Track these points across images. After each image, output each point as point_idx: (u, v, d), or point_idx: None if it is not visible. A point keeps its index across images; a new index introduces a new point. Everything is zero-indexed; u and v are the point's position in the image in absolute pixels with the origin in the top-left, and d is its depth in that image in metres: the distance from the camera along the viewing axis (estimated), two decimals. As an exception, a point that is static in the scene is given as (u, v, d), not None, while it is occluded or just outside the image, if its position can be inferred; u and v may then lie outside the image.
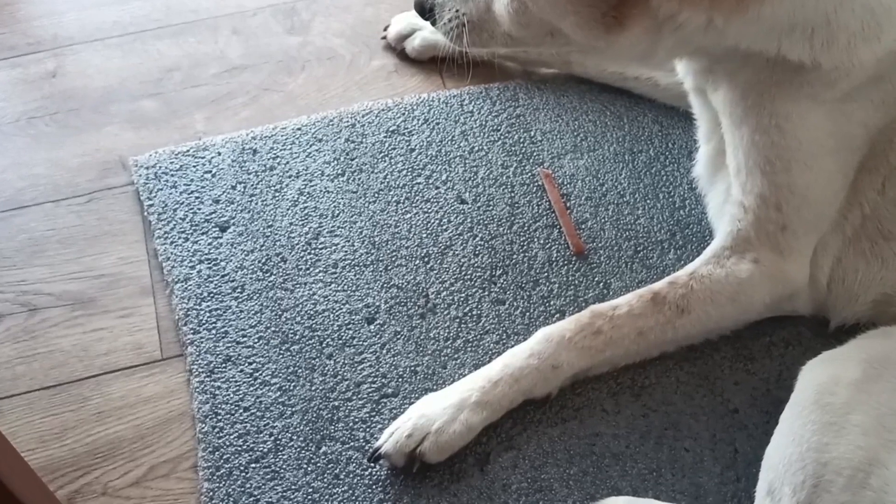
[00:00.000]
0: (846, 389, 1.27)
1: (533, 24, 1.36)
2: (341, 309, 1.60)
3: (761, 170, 1.43)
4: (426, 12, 1.47)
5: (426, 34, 1.94)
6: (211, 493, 1.41)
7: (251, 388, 1.51)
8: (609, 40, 1.30)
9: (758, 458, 1.32)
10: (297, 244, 1.67)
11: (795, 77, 1.35)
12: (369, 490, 1.42)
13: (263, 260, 1.65)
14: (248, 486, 1.42)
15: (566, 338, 1.45)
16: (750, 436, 1.46)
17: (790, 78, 1.35)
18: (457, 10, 1.42)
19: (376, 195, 1.73)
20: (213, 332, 1.57)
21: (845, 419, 1.23)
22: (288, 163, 1.77)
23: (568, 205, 1.71)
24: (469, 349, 1.55)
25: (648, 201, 1.72)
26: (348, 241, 1.67)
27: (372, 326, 1.58)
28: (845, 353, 1.35)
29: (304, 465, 1.44)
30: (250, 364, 1.54)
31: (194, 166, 1.77)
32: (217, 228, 1.69)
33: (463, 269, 1.64)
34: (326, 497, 1.41)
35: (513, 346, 1.49)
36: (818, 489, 1.20)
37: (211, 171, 1.76)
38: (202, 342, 1.56)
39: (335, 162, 1.77)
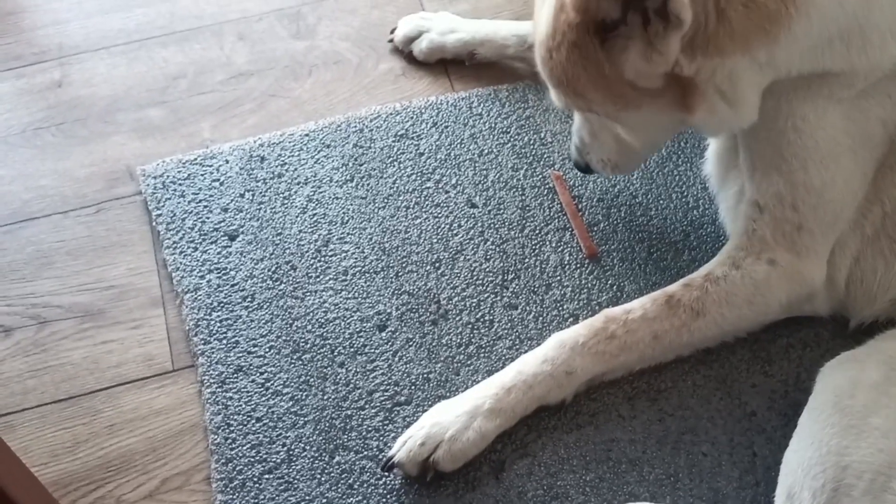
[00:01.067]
0: (865, 392, 1.25)
1: (649, 136, 1.49)
2: (352, 316, 1.58)
3: (777, 169, 1.41)
4: (585, 169, 1.61)
5: (433, 36, 1.93)
6: (224, 506, 1.40)
7: (263, 399, 1.50)
8: (696, 119, 1.32)
9: (777, 461, 1.30)
10: (307, 252, 1.66)
11: (814, 79, 1.33)
12: (383, 500, 1.40)
13: (273, 268, 1.64)
14: (261, 497, 1.41)
15: (580, 343, 1.43)
16: (768, 439, 1.44)
17: (808, 80, 1.33)
18: (600, 158, 1.55)
19: (386, 201, 1.72)
20: (224, 342, 1.56)
21: (865, 422, 1.22)
22: (296, 169, 1.76)
23: (579, 207, 1.69)
24: (482, 355, 1.54)
25: (661, 202, 1.70)
26: (358, 248, 1.66)
27: (383, 334, 1.57)
28: (864, 354, 1.33)
29: (318, 476, 1.43)
30: (262, 374, 1.53)
31: (202, 175, 1.75)
32: (226, 237, 1.68)
33: (474, 273, 1.63)
34: (341, 508, 1.39)
35: (526, 352, 1.47)
36: (838, 493, 1.18)
37: (219, 180, 1.75)
38: (213, 352, 1.55)
39: (344, 168, 1.76)
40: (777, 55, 1.25)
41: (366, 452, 1.45)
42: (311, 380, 1.52)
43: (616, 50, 1.21)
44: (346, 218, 1.70)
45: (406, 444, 1.40)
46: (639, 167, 1.71)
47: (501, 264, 1.64)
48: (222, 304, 1.60)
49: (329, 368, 1.53)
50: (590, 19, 1.19)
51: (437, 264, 1.64)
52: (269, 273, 1.63)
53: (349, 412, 1.48)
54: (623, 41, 1.20)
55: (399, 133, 1.81)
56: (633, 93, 1.27)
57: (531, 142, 1.79)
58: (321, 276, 1.63)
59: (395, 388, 1.51)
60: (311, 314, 1.59)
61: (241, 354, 1.55)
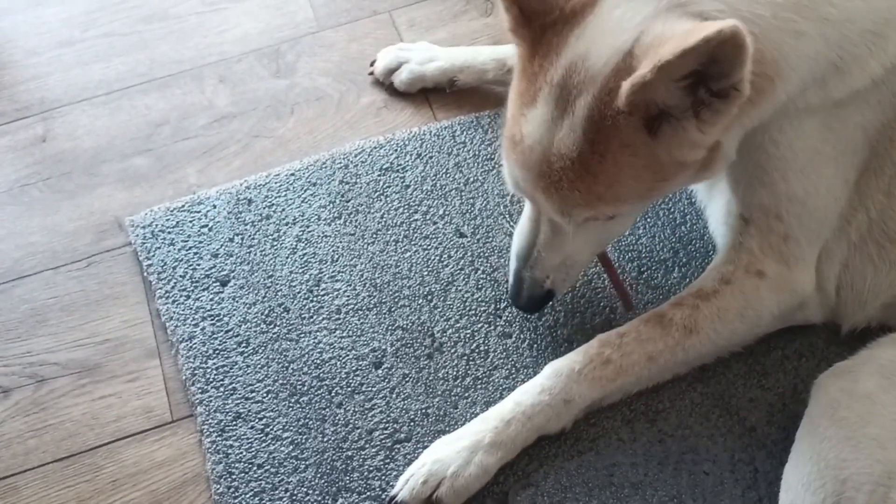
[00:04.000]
0: (860, 402, 1.26)
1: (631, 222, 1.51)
2: (348, 355, 1.59)
3: (759, 181, 1.42)
4: (540, 302, 1.51)
5: (413, 66, 1.94)
6: (231, 556, 1.40)
7: (263, 445, 1.50)
8: (711, 175, 1.35)
9: (778, 476, 1.31)
10: (299, 293, 1.66)
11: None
12: (390, 540, 1.41)
13: (266, 312, 1.64)
14: (267, 545, 1.42)
15: (576, 370, 1.43)
16: (769, 454, 1.44)
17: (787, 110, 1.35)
18: (563, 274, 1.47)
19: (374, 236, 1.72)
20: (222, 389, 1.56)
21: (861, 433, 1.22)
22: (283, 210, 1.77)
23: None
24: (479, 386, 1.54)
25: (648, 220, 1.71)
26: (350, 286, 1.66)
27: (380, 371, 1.57)
28: (857, 364, 1.33)
29: (323, 519, 1.43)
30: (261, 420, 1.53)
31: (190, 222, 1.76)
32: (218, 283, 1.68)
33: (467, 304, 1.63)
34: (347, 551, 1.40)
35: (523, 381, 1.48)
36: (839, 506, 1.19)
37: (207, 225, 1.75)
38: (211, 401, 1.55)
39: (331, 205, 1.77)
40: (756, 118, 1.29)
41: (368, 493, 1.45)
42: (311, 422, 1.52)
43: (667, 133, 1.20)
44: (336, 256, 1.70)
45: (409, 483, 1.40)
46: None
47: (493, 293, 1.64)
48: (217, 352, 1.60)
49: (327, 410, 1.53)
50: (642, 115, 1.18)
51: (429, 297, 1.64)
52: (263, 316, 1.64)
53: (350, 453, 1.49)
54: (673, 123, 1.19)
55: (384, 166, 1.82)
56: (676, 169, 1.26)
57: (516, 167, 1.80)
58: (314, 317, 1.63)
59: (395, 425, 1.51)
60: (307, 356, 1.59)
61: (238, 401, 1.55)
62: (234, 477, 1.48)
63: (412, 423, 1.51)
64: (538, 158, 1.26)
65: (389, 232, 1.73)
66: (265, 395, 1.55)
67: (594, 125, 1.20)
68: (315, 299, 1.65)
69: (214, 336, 1.62)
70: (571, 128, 1.22)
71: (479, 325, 1.61)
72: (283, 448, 1.50)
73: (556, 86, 1.22)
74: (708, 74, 1.12)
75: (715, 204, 1.57)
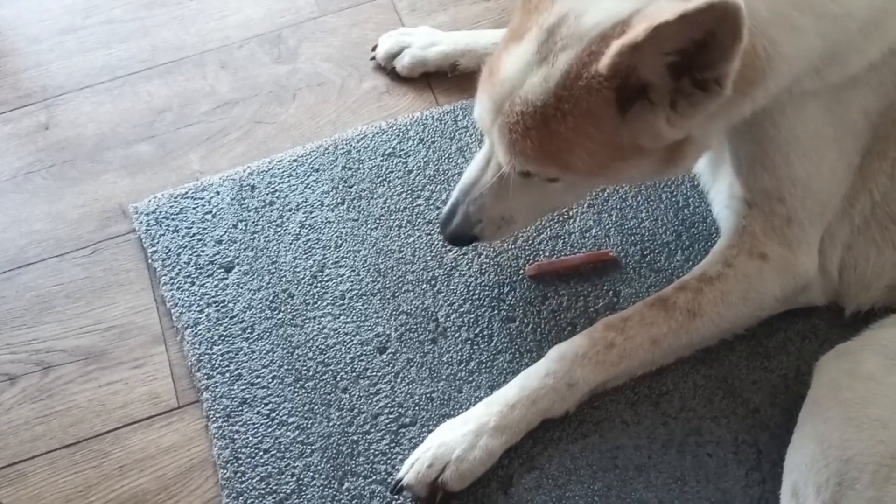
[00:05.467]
0: (862, 383, 1.27)
1: (583, 194, 1.54)
2: (352, 340, 1.59)
3: (762, 164, 1.42)
4: (464, 241, 1.50)
5: (415, 50, 1.93)
6: (238, 541, 1.41)
7: (269, 430, 1.51)
8: (679, 170, 1.35)
9: (782, 457, 1.32)
10: (303, 278, 1.66)
11: None
12: (395, 523, 1.42)
13: (271, 297, 1.65)
14: (274, 529, 1.43)
15: (580, 354, 1.44)
16: (773, 435, 1.45)
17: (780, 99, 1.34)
18: (497, 222, 1.45)
19: (378, 221, 1.73)
20: (227, 375, 1.57)
21: (864, 413, 1.23)
22: (287, 196, 1.77)
23: (568, 252, 1.67)
24: (483, 371, 1.55)
25: (651, 203, 1.71)
26: (353, 271, 1.67)
27: (384, 356, 1.58)
28: (859, 345, 1.34)
29: (329, 503, 1.44)
30: (266, 405, 1.54)
31: (194, 208, 1.76)
32: (222, 269, 1.69)
33: (470, 289, 1.64)
34: (353, 534, 1.41)
35: (527, 364, 1.49)
36: (842, 487, 1.19)
37: (211, 212, 1.76)
38: (217, 387, 1.56)
39: (334, 191, 1.77)
40: (744, 110, 1.27)
41: (374, 477, 1.46)
42: (316, 407, 1.53)
43: (637, 115, 1.19)
44: (340, 241, 1.71)
45: (414, 467, 1.41)
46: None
47: (497, 277, 1.65)
48: (223, 338, 1.61)
49: (332, 395, 1.54)
50: (618, 84, 1.15)
51: (432, 282, 1.65)
52: (267, 302, 1.64)
53: (355, 437, 1.50)
54: (647, 106, 1.18)
55: (387, 152, 1.82)
56: (635, 153, 1.25)
57: (518, 151, 1.80)
58: (319, 302, 1.64)
59: (400, 409, 1.52)
60: (312, 341, 1.60)
61: (244, 387, 1.56)
62: (240, 462, 1.49)
63: (417, 408, 1.52)
64: (505, 94, 1.25)
65: (392, 217, 1.73)
66: (270, 380, 1.56)
67: (568, 82, 1.18)
68: (319, 285, 1.66)
69: (219, 322, 1.63)
70: (545, 77, 1.20)
71: (483, 310, 1.61)
72: (288, 433, 1.51)
73: (545, 31, 1.21)
74: (696, 61, 1.11)
75: (718, 187, 1.57)
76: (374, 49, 1.98)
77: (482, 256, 1.67)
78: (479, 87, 1.32)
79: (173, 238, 1.73)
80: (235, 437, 1.51)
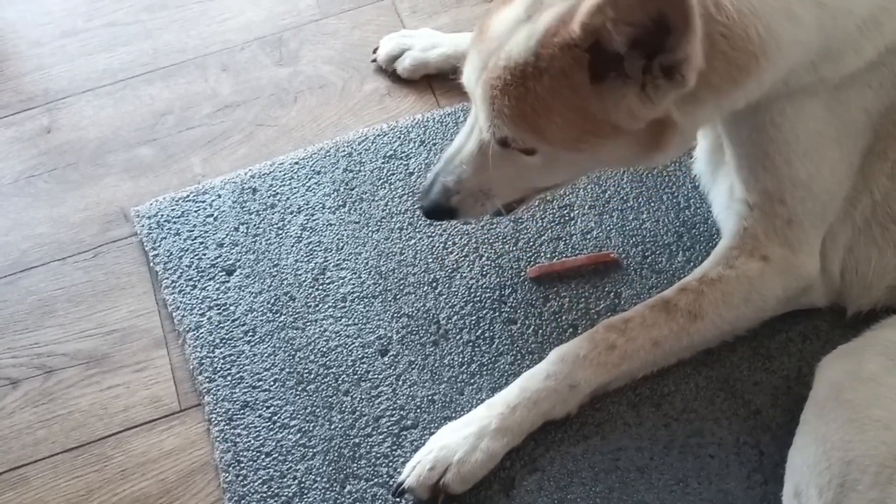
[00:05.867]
0: (865, 384, 1.26)
1: (569, 175, 1.46)
2: (354, 343, 1.59)
3: (762, 165, 1.42)
4: (442, 214, 1.46)
5: (416, 52, 1.93)
6: (240, 544, 1.41)
7: (271, 433, 1.51)
8: (663, 156, 1.33)
9: (783, 458, 1.31)
10: (305, 281, 1.67)
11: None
12: (397, 526, 1.42)
13: (272, 300, 1.65)
14: (276, 532, 1.43)
15: (581, 356, 1.44)
16: (774, 436, 1.44)
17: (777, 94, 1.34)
18: (476, 197, 1.42)
19: (379, 223, 1.73)
20: (229, 378, 1.57)
21: (866, 414, 1.23)
22: (288, 199, 1.77)
23: (571, 253, 1.67)
24: (485, 373, 1.55)
25: (653, 204, 1.71)
26: (355, 274, 1.67)
27: (386, 358, 1.58)
28: (861, 346, 1.34)
29: (331, 506, 1.44)
30: (268, 408, 1.54)
31: (196, 211, 1.76)
32: (223, 272, 1.69)
33: (472, 291, 1.64)
34: (355, 537, 1.41)
35: (528, 367, 1.49)
36: (844, 488, 1.19)
37: (213, 215, 1.76)
38: (219, 390, 1.56)
39: (335, 193, 1.77)
40: (737, 99, 1.26)
41: (376, 480, 1.46)
42: (318, 410, 1.53)
43: (609, 90, 1.18)
44: (341, 244, 1.71)
45: (415, 469, 1.41)
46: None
47: (498, 279, 1.65)
48: (224, 341, 1.61)
49: (334, 397, 1.54)
50: (590, 47, 1.15)
51: (434, 284, 1.65)
52: (269, 305, 1.64)
53: (357, 440, 1.50)
54: (620, 82, 1.17)
55: (388, 154, 1.82)
56: (609, 131, 1.24)
57: (519, 153, 1.80)
58: (320, 305, 1.64)
59: (401, 412, 1.52)
60: (313, 344, 1.60)
61: (246, 390, 1.56)
62: (242, 465, 1.49)
63: (419, 410, 1.52)
64: (491, 51, 1.25)
65: (394, 219, 1.73)
66: (272, 383, 1.56)
67: (546, 40, 1.18)
68: (320, 287, 1.66)
69: (221, 325, 1.63)
70: (529, 34, 1.20)
71: (484, 312, 1.61)
72: (290, 436, 1.51)
73: None
74: (661, 45, 1.11)
75: (718, 188, 1.57)
76: (375, 51, 1.98)
77: (483, 258, 1.67)
78: (470, 46, 1.32)
79: (175, 241, 1.73)
80: (237, 440, 1.51)
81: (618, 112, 1.20)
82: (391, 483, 1.45)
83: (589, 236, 1.68)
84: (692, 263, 1.61)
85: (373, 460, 1.48)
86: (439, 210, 1.44)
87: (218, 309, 1.65)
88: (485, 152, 1.34)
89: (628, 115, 1.20)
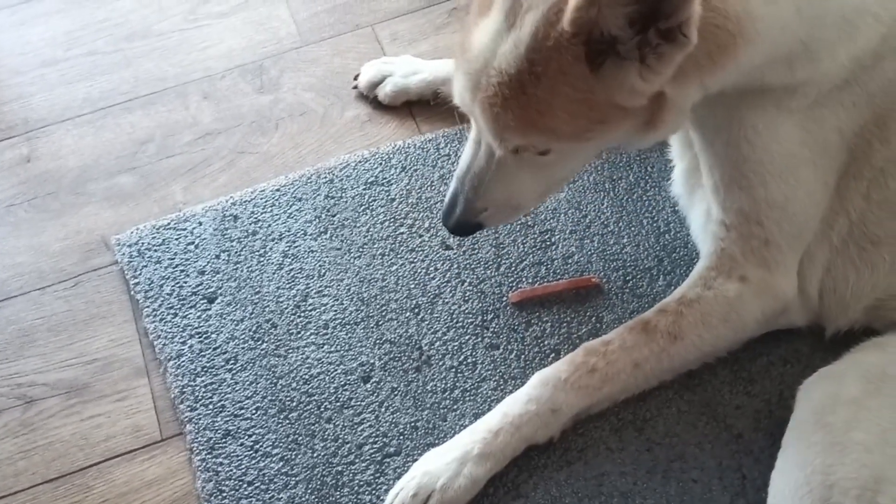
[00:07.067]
0: (846, 407, 1.27)
1: (578, 166, 1.47)
2: (336, 370, 1.59)
3: (738, 185, 1.42)
4: (467, 229, 1.47)
5: (397, 79, 1.94)
6: (222, 574, 1.40)
7: (253, 462, 1.51)
8: (657, 135, 1.32)
9: (766, 482, 1.31)
10: (286, 308, 1.66)
11: (757, 91, 1.34)
12: (381, 554, 1.41)
13: (254, 328, 1.64)
14: (259, 561, 1.42)
15: (562, 379, 1.44)
16: (756, 460, 1.45)
17: (752, 91, 1.35)
18: (497, 207, 1.42)
19: (361, 250, 1.73)
20: (211, 407, 1.56)
21: (847, 438, 1.23)
22: (270, 226, 1.77)
23: (552, 278, 1.67)
24: (468, 398, 1.55)
25: (633, 228, 1.72)
26: (337, 300, 1.67)
27: (368, 385, 1.57)
28: (841, 369, 1.34)
29: (314, 535, 1.44)
30: (250, 436, 1.53)
31: (176, 239, 1.76)
32: (205, 300, 1.68)
33: (454, 316, 1.64)
34: (338, 566, 1.40)
35: (511, 391, 1.49)
36: (827, 512, 1.19)
37: (194, 243, 1.75)
38: (200, 419, 1.55)
39: (317, 220, 1.77)
40: (717, 80, 1.26)
41: (359, 507, 1.45)
42: (300, 438, 1.52)
43: (609, 71, 1.17)
44: (323, 270, 1.71)
45: (399, 496, 1.40)
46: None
47: (480, 305, 1.65)
48: (206, 369, 1.60)
49: (317, 425, 1.53)
50: (585, 40, 1.14)
51: (416, 310, 1.65)
52: (251, 333, 1.64)
53: (339, 468, 1.49)
54: (617, 61, 1.16)
55: (369, 180, 1.82)
56: (616, 114, 1.23)
57: (500, 178, 1.80)
58: (302, 332, 1.64)
59: (384, 439, 1.51)
60: (295, 371, 1.59)
61: (228, 418, 1.55)
62: (224, 494, 1.48)
63: (401, 437, 1.52)
64: (480, 69, 1.23)
65: (375, 245, 1.73)
66: (254, 411, 1.56)
67: (536, 44, 1.17)
68: (302, 314, 1.66)
69: (202, 353, 1.62)
70: (515, 43, 1.19)
71: (467, 337, 1.61)
72: (272, 464, 1.50)
73: None
74: (657, 10, 1.10)
75: (696, 210, 1.58)
76: (356, 78, 1.99)
77: (465, 284, 1.67)
78: (454, 66, 1.30)
79: (156, 269, 1.73)
80: (219, 469, 1.50)
81: (621, 92, 1.19)
82: (374, 511, 1.44)
83: (570, 261, 1.68)
84: (673, 287, 1.61)
85: (356, 488, 1.47)
86: (467, 226, 1.44)
87: (199, 337, 1.64)
88: (501, 165, 1.34)
89: (631, 93, 1.19)
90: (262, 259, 1.73)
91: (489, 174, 1.37)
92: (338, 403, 1.56)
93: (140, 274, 1.72)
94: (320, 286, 1.69)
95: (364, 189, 1.81)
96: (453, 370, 1.58)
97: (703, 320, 1.46)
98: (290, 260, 1.72)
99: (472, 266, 1.69)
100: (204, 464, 1.51)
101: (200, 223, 1.78)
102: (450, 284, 1.67)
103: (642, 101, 1.22)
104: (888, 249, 1.42)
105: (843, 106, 1.36)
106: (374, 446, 1.51)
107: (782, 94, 1.34)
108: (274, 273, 1.71)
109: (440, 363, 1.59)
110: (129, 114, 1.99)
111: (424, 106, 1.95)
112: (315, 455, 1.50)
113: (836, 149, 1.39)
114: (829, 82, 1.32)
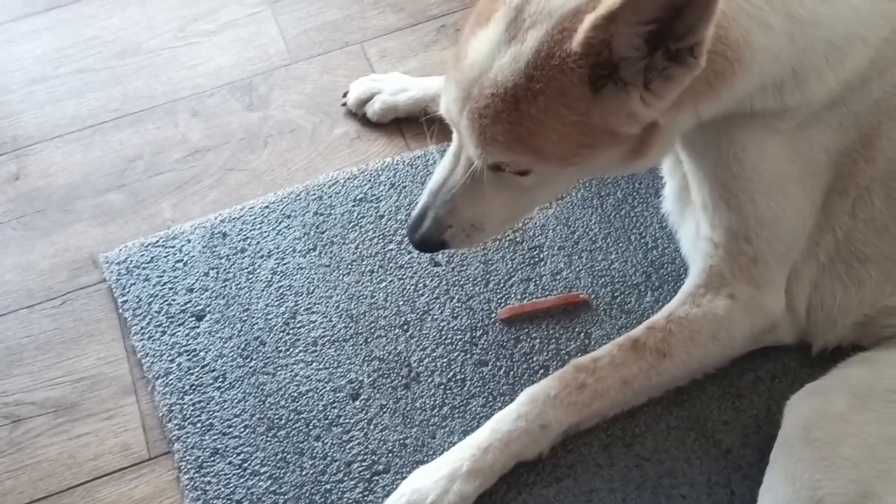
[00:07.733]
0: (833, 423, 1.27)
1: (556, 192, 1.52)
2: (325, 387, 1.59)
3: (727, 203, 1.43)
4: (433, 246, 1.44)
5: (385, 96, 1.95)
6: None
7: (241, 480, 1.50)
8: (645, 162, 1.32)
9: (754, 498, 1.32)
10: (275, 325, 1.66)
11: (749, 114, 1.35)
12: (370, 572, 1.40)
13: (242, 345, 1.64)
14: (247, 581, 1.41)
15: (551, 395, 1.44)
16: (745, 476, 1.45)
17: (743, 114, 1.36)
18: (466, 229, 1.40)
19: (349, 267, 1.73)
20: (199, 425, 1.56)
21: (835, 453, 1.23)
22: (258, 243, 1.77)
23: (541, 294, 1.67)
24: (456, 415, 1.55)
25: (621, 244, 1.72)
26: (326, 317, 1.67)
27: (357, 402, 1.57)
28: (829, 384, 1.35)
29: (303, 553, 1.43)
30: (238, 455, 1.53)
31: (165, 257, 1.76)
32: (193, 318, 1.68)
33: (443, 333, 1.64)
34: (327, 585, 1.39)
35: (500, 408, 1.48)
36: (814, 528, 1.20)
37: (182, 260, 1.75)
38: (188, 437, 1.55)
39: (305, 237, 1.77)
40: (711, 107, 1.28)
41: (348, 526, 1.45)
42: (289, 456, 1.52)
43: (609, 95, 1.16)
44: (312, 287, 1.71)
45: (388, 515, 1.40)
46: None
47: (469, 321, 1.65)
48: (194, 387, 1.60)
49: (305, 443, 1.53)
50: (593, 62, 1.13)
51: (405, 327, 1.65)
52: (239, 351, 1.64)
53: (328, 486, 1.49)
54: (620, 86, 1.15)
55: (358, 197, 1.83)
56: (606, 140, 1.22)
57: (489, 195, 1.81)
58: (291, 350, 1.63)
59: (373, 457, 1.51)
60: (284, 389, 1.59)
61: (216, 437, 1.55)
62: (212, 513, 1.47)
63: (390, 455, 1.51)
64: (473, 79, 1.21)
65: (364, 262, 1.74)
66: (242, 429, 1.55)
67: (539, 62, 1.15)
68: (291, 332, 1.65)
69: (191, 371, 1.62)
70: (515, 57, 1.17)
71: (456, 354, 1.61)
72: (261, 483, 1.50)
73: (512, 8, 1.18)
74: (670, 33, 1.09)
75: (685, 227, 1.59)
76: (345, 95, 2.00)
77: (454, 300, 1.67)
78: (445, 75, 1.28)
79: (144, 287, 1.72)
80: (207, 488, 1.50)
81: (619, 118, 1.18)
82: (363, 529, 1.44)
83: (559, 277, 1.69)
84: (661, 303, 1.62)
85: (345, 506, 1.47)
86: (430, 243, 1.42)
87: (187, 355, 1.64)
88: (477, 180, 1.31)
89: (629, 118, 1.18)
90: (250, 276, 1.73)
91: (462, 190, 1.35)
92: (326, 421, 1.55)
93: (128, 292, 1.72)
94: (309, 303, 1.69)
95: (353, 206, 1.81)
96: (442, 387, 1.58)
97: (692, 337, 1.47)
98: (278, 277, 1.72)
99: (461, 283, 1.70)
100: (192, 483, 1.50)
101: (189, 240, 1.78)
102: (439, 301, 1.68)
103: (636, 129, 1.22)
104: (874, 266, 1.43)
105: (830, 126, 1.37)
106: (363, 464, 1.51)
107: (771, 117, 1.35)
108: (263, 290, 1.71)
109: (429, 380, 1.59)
110: (119, 131, 1.99)
111: (413, 123, 1.95)
112: (304, 473, 1.50)
113: (822, 168, 1.40)
114: (817, 104, 1.33)
